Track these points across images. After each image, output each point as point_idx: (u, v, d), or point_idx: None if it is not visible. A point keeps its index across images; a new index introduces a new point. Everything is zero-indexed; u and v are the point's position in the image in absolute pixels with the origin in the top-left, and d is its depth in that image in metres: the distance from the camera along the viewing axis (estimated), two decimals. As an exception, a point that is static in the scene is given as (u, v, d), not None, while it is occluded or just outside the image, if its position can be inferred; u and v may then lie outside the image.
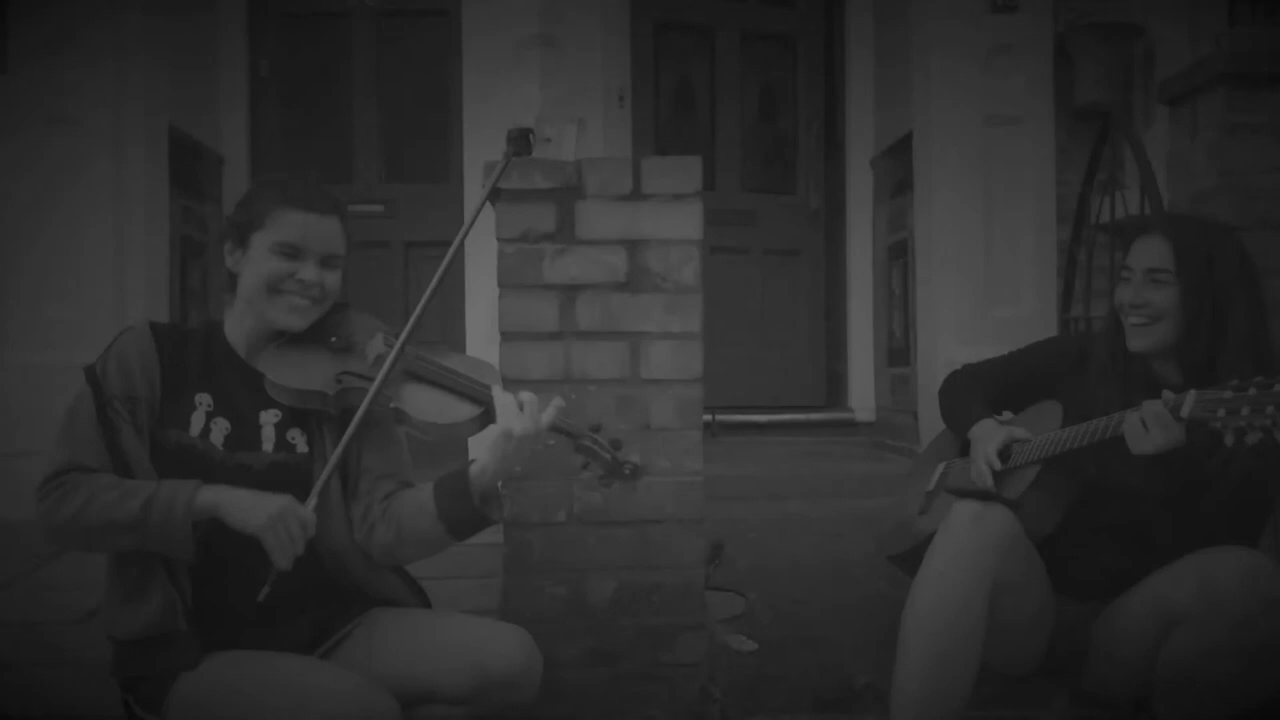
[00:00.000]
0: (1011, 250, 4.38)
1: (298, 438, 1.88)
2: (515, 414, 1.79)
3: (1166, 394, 1.90)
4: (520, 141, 2.65)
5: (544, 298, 2.27)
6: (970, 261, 4.39)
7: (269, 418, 1.87)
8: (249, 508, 1.69)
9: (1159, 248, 2.09)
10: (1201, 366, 2.04)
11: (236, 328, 1.91)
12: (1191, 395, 1.85)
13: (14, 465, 3.85)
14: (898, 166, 4.91)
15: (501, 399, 1.80)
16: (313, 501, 1.74)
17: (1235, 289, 2.04)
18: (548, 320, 2.25)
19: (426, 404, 1.83)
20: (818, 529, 3.68)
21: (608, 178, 2.26)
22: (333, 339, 1.88)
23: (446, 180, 4.99)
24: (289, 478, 1.83)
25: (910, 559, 2.22)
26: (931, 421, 3.67)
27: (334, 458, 1.78)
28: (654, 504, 2.26)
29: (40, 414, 3.84)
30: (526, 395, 1.81)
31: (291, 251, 1.84)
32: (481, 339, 4.32)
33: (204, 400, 1.84)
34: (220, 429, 1.84)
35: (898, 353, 4.98)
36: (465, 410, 1.84)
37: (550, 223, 2.26)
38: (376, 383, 1.79)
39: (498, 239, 2.27)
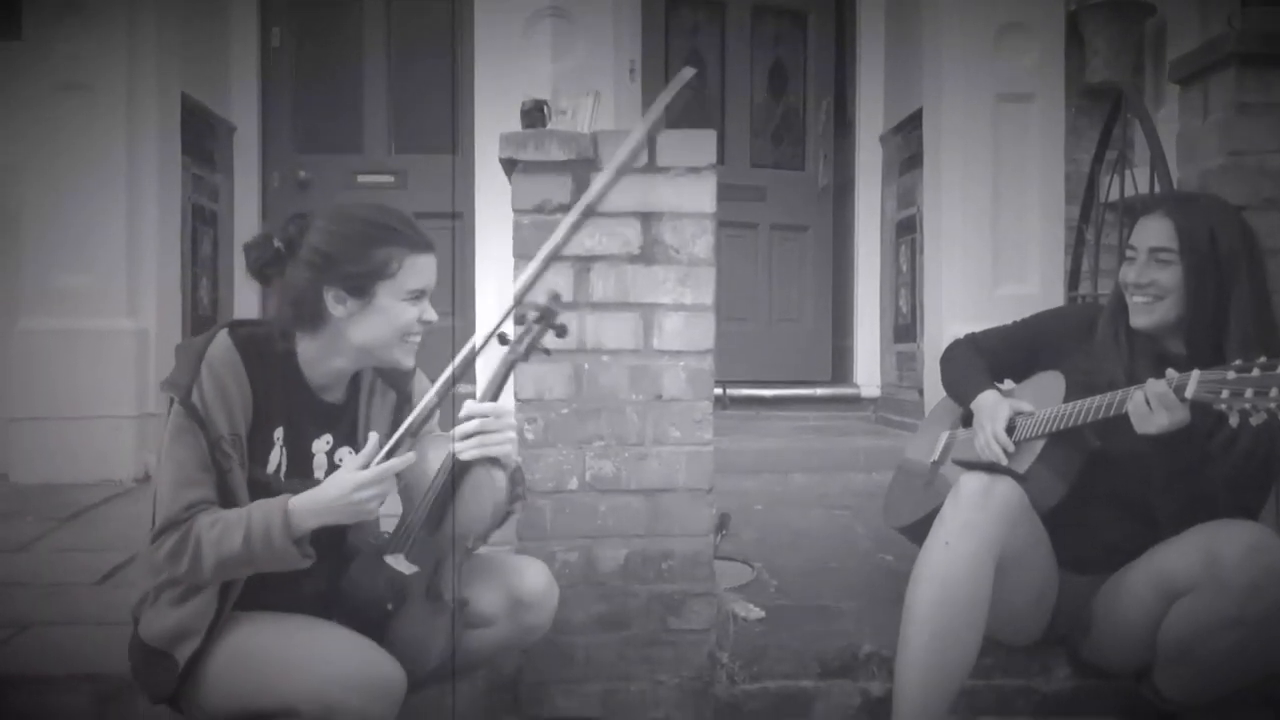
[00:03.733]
0: (1019, 228, 4.40)
1: (346, 458, 1.88)
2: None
3: (1170, 373, 1.92)
4: (534, 114, 2.68)
5: (559, 269, 2.28)
6: (978, 239, 4.41)
7: (321, 445, 1.89)
8: (349, 512, 1.72)
9: (1162, 227, 2.10)
10: (1206, 343, 2.06)
11: (317, 363, 1.87)
12: (1195, 376, 1.87)
13: (30, 430, 3.91)
14: (907, 143, 4.92)
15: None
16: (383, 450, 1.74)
17: (1238, 267, 2.05)
18: (562, 291, 2.26)
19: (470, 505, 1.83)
20: (823, 502, 3.73)
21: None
22: (427, 593, 1.84)
23: (457, 152, 5.01)
24: None
25: (917, 530, 2.25)
26: (936, 398, 3.69)
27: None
28: (665, 473, 2.29)
29: (54, 380, 3.92)
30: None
31: (420, 296, 1.84)
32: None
33: (279, 435, 1.84)
34: (284, 460, 1.84)
35: (904, 329, 5.00)
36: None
37: (566, 194, 2.28)
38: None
39: (513, 209, 2.29)
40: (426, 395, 1.83)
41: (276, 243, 1.83)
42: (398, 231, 1.83)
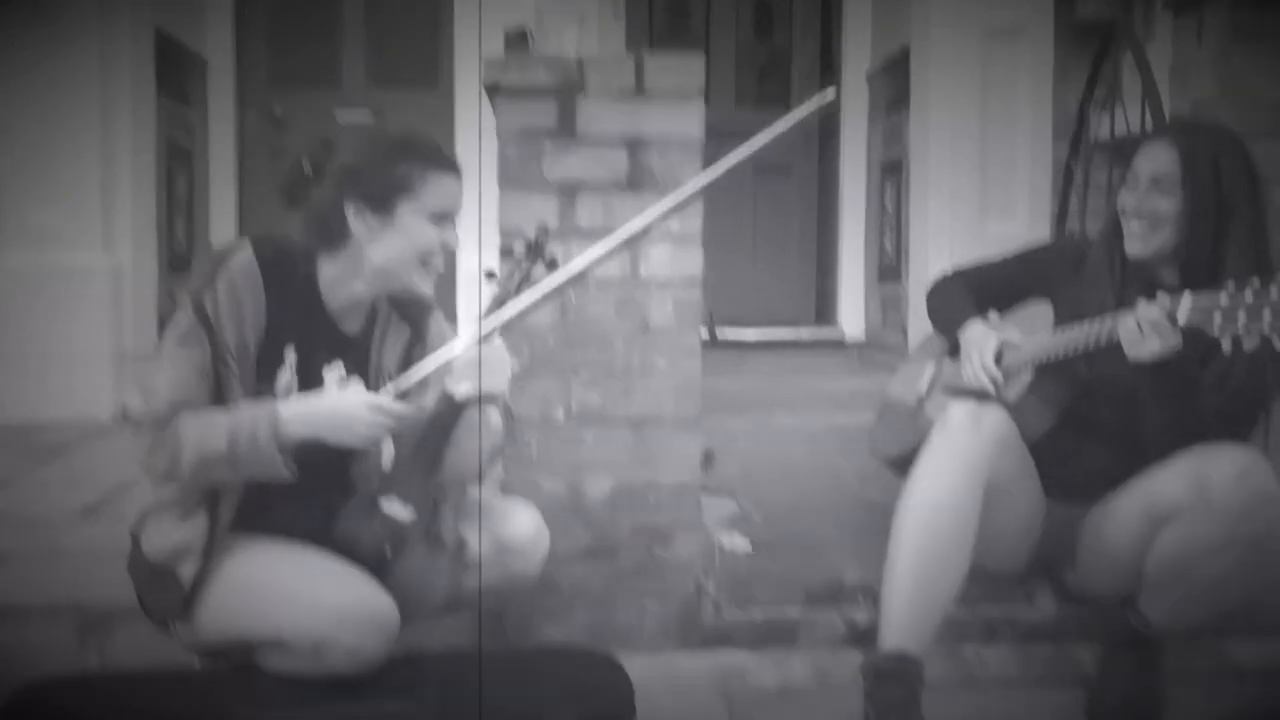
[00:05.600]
0: (1007, 166, 4.36)
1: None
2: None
3: (1161, 297, 1.90)
4: (518, 41, 2.63)
5: (544, 196, 2.26)
6: (965, 178, 4.37)
7: (332, 374, 1.85)
8: (340, 428, 1.71)
9: (1166, 155, 2.07)
10: (1201, 270, 2.04)
11: (336, 287, 1.84)
12: (1187, 298, 1.85)
13: (5, 368, 3.86)
14: (894, 82, 4.86)
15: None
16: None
17: (1239, 195, 2.03)
18: (548, 219, 2.24)
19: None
20: (807, 440, 3.72)
21: (610, 75, 2.23)
22: (425, 537, 1.85)
23: (436, 86, 4.93)
24: None
25: (904, 461, 2.24)
26: (920, 339, 3.69)
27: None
28: (652, 403, 2.27)
29: (29, 317, 3.86)
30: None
31: (443, 218, 1.82)
32: (471, 240, 4.32)
33: (290, 356, 1.81)
34: (294, 384, 1.81)
35: (888, 270, 4.98)
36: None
37: (551, 120, 2.24)
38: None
39: (497, 136, 2.25)
40: (441, 351, 1.80)
41: (306, 165, 1.83)
42: (422, 150, 1.82)
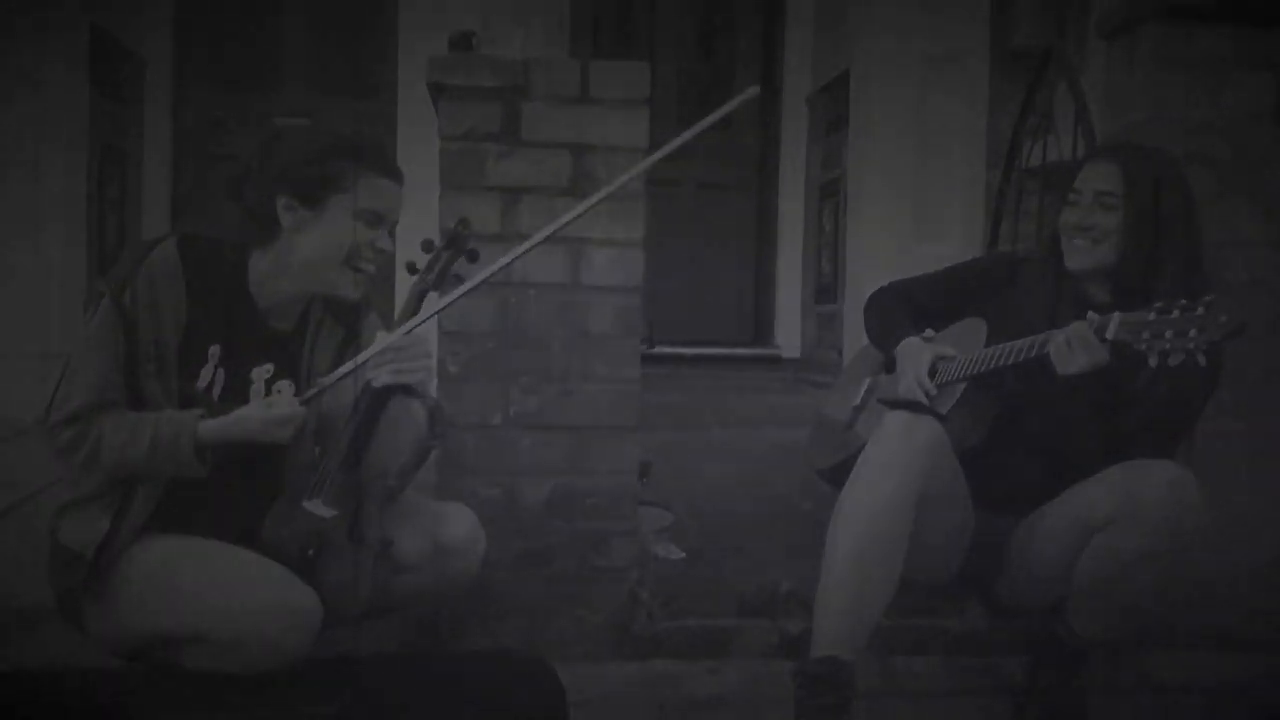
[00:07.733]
0: (942, 189, 4.45)
1: (285, 389, 1.84)
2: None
3: (1092, 315, 1.95)
4: (463, 44, 2.63)
5: (486, 199, 2.25)
6: (900, 199, 4.45)
7: (260, 373, 1.84)
8: (260, 432, 1.70)
9: (1109, 171, 2.14)
10: (1134, 289, 2.09)
11: (266, 283, 1.82)
12: (1116, 317, 1.90)
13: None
14: (834, 104, 4.93)
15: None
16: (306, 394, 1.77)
17: (1177, 217, 2.10)
18: (490, 222, 2.23)
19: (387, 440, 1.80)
20: (743, 455, 3.74)
21: (555, 79, 2.24)
22: (349, 536, 1.81)
23: (377, 96, 4.89)
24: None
25: (839, 472, 2.26)
26: (854, 353, 3.73)
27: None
28: (590, 410, 2.27)
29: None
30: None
31: (374, 219, 1.79)
32: (413, 242, 4.28)
33: (215, 352, 1.78)
34: (220, 381, 1.79)
35: (825, 290, 5.03)
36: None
37: (495, 123, 2.23)
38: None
39: (440, 136, 2.24)
40: (360, 356, 1.77)
41: (252, 160, 1.81)
42: (363, 150, 1.80)
